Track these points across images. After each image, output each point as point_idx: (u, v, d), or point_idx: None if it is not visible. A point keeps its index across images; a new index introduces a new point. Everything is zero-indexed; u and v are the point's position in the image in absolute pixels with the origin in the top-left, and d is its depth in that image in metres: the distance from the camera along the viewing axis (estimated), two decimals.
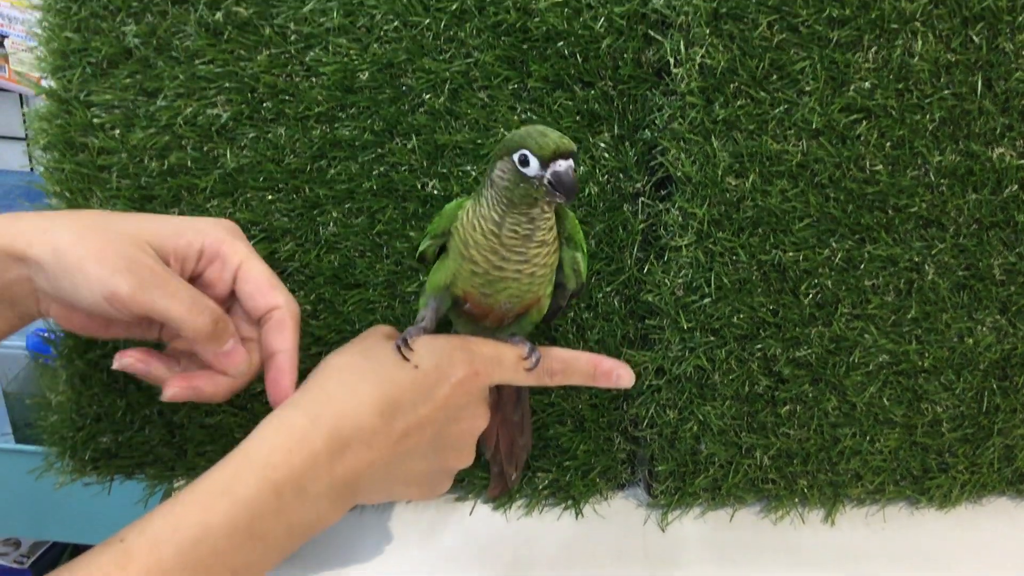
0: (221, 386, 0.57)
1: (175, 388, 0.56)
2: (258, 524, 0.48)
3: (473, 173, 0.68)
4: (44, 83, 0.67)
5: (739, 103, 0.66)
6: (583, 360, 0.63)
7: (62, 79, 0.65)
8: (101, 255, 0.51)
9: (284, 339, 0.57)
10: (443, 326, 0.63)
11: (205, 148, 0.66)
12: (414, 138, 0.67)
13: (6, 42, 1.43)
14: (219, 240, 0.57)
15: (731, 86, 0.65)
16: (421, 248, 0.61)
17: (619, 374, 0.63)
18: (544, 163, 0.51)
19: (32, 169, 1.51)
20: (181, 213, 0.67)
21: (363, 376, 0.55)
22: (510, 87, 0.67)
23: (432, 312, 0.60)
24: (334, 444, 0.51)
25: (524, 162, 0.51)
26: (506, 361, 0.60)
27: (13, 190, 1.46)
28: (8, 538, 1.52)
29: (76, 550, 1.62)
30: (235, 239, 0.58)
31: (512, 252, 0.55)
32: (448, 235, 0.59)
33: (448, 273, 0.58)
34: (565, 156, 0.51)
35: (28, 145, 1.53)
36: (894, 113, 0.67)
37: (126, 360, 0.56)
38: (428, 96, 0.66)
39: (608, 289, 0.71)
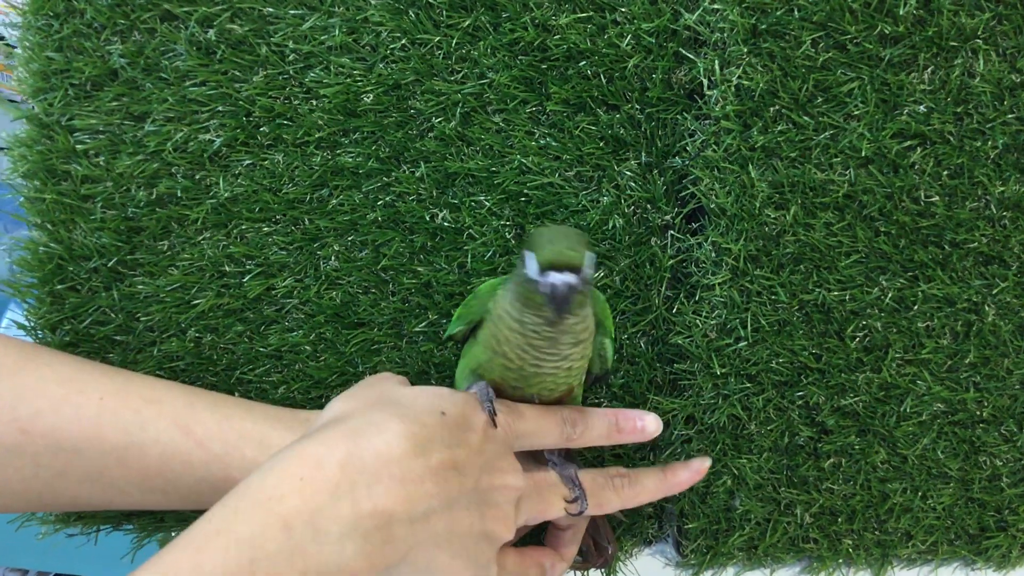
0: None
1: None
2: (263, 567, 0.39)
3: (487, 204, 0.62)
4: (22, 105, 0.62)
5: (780, 128, 0.60)
6: (599, 416, 0.56)
7: (43, 102, 0.60)
8: None
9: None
10: None
11: (197, 176, 0.61)
12: (423, 165, 0.62)
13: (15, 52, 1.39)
14: None
15: (771, 110, 0.59)
16: (449, 332, 0.57)
17: (643, 424, 0.56)
18: (541, 269, 0.47)
19: None
20: (171, 247, 0.62)
21: (388, 412, 0.47)
22: (527, 110, 0.61)
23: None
24: (355, 474, 0.42)
25: (529, 260, 0.47)
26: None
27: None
28: (14, 568, 1.49)
29: None
30: None
31: (545, 353, 0.51)
32: (480, 320, 0.54)
33: (477, 361, 0.54)
34: (559, 269, 0.46)
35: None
36: (952, 139, 0.61)
37: None
38: (438, 120, 0.61)
39: (634, 330, 0.65)
